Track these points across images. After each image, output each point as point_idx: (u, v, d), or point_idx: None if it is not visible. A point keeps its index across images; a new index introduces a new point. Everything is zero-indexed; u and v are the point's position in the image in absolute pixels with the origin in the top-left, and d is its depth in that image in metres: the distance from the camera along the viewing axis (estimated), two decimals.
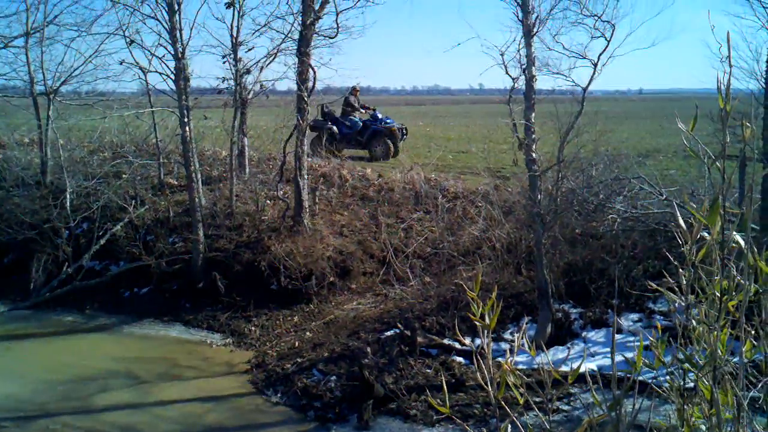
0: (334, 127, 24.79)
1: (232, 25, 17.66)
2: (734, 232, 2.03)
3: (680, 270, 2.24)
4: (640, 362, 2.32)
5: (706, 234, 2.05)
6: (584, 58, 12.07)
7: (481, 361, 2.18)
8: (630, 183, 14.24)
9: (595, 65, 11.92)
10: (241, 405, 11.09)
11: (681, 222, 2.17)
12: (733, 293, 2.03)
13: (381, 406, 10.44)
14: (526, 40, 11.35)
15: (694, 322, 2.18)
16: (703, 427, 2.16)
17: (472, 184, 18.63)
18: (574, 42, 12.08)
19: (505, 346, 11.49)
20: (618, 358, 2.52)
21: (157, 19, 15.45)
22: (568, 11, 11.97)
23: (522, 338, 2.28)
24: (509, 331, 12.01)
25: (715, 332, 2.01)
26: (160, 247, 16.22)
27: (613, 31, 11.75)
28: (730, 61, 2.08)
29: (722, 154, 2.06)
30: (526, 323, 11.70)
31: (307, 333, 13.37)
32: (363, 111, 25.89)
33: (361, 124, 25.17)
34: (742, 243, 2.01)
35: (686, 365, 2.16)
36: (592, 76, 12.04)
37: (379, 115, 25.53)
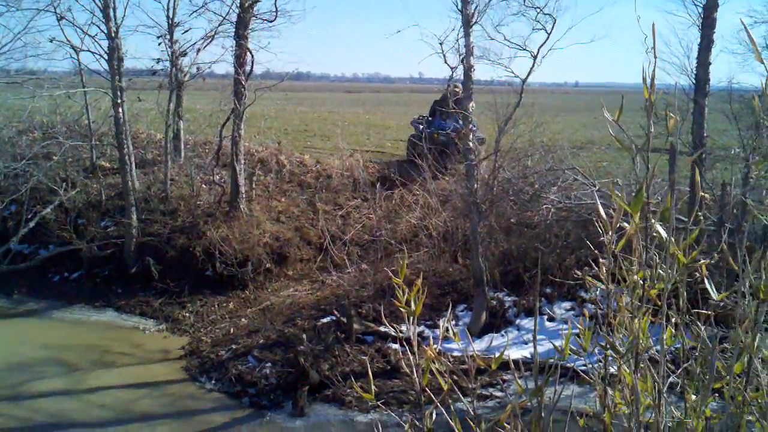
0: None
1: (168, 6, 17.33)
2: (656, 222, 2.07)
3: (600, 259, 2.29)
4: (568, 349, 2.36)
5: (626, 224, 2.09)
6: (525, 49, 12.24)
7: (407, 347, 2.19)
8: (564, 174, 14.48)
9: (535, 57, 12.09)
10: (175, 392, 10.97)
11: (601, 211, 2.21)
12: (654, 282, 2.08)
13: (316, 393, 10.47)
14: (465, 29, 11.43)
15: (615, 310, 2.23)
16: (626, 412, 2.22)
17: None
18: (515, 33, 12.25)
19: (440, 333, 11.60)
20: (549, 345, 2.55)
21: None
22: (510, 1, 12.13)
23: (448, 324, 2.29)
24: (445, 317, 12.12)
25: (636, 320, 2.06)
26: (92, 231, 15.86)
27: (554, 24, 11.95)
28: (655, 52, 2.12)
29: (646, 144, 2.10)
30: (451, 310, 11.82)
31: (243, 319, 13.27)
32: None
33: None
34: (662, 233, 2.05)
35: (609, 352, 2.21)
36: (531, 68, 12.22)
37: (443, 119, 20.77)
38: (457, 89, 19.43)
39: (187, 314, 13.80)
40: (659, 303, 2.14)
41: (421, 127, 19.87)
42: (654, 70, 2.12)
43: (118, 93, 15.10)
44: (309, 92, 66.24)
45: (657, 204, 2.37)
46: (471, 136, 11.87)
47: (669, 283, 2.10)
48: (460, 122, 19.53)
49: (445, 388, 2.12)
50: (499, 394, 10.33)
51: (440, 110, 19.96)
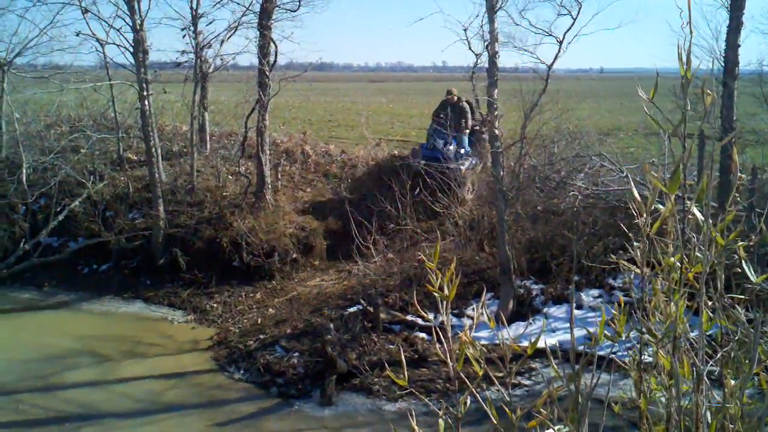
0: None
1: None
2: (692, 203, 2.03)
3: (635, 243, 2.24)
4: (602, 336, 2.33)
5: (660, 206, 2.05)
6: (550, 35, 12.11)
7: (440, 333, 2.17)
8: (591, 160, 14.35)
9: (561, 43, 11.96)
10: (204, 382, 11.03)
11: (636, 193, 2.16)
12: (692, 265, 2.04)
13: (344, 382, 10.47)
14: (489, 15, 11.31)
15: (651, 294, 2.19)
16: (663, 399, 2.18)
17: None
18: (540, 18, 12.14)
19: (467, 322, 11.56)
20: (577, 333, 2.52)
21: None
22: None
23: (482, 309, 2.27)
24: (471, 307, 12.07)
25: (673, 303, 2.02)
26: (120, 223, 15.98)
27: (579, 9, 11.80)
28: (690, 27, 2.07)
29: (683, 121, 2.05)
30: (485, 296, 11.78)
31: (270, 310, 13.31)
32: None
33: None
34: (698, 215, 2.01)
35: (646, 336, 2.17)
36: (557, 54, 12.08)
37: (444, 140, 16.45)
38: (450, 96, 16.92)
39: (215, 305, 13.88)
40: (697, 286, 2.09)
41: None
42: (690, 46, 2.06)
43: (144, 85, 15.19)
44: (332, 82, 66.27)
45: (694, 184, 2.32)
46: (496, 123, 11.76)
47: (707, 265, 2.06)
48: (460, 138, 16.59)
49: (480, 372, 2.10)
50: (527, 382, 10.29)
51: (437, 121, 16.94)
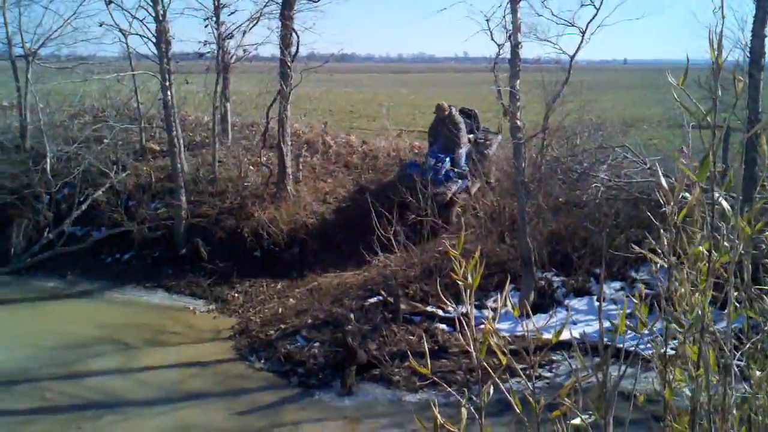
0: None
1: None
2: (719, 192, 2.00)
3: (662, 231, 2.20)
4: (623, 326, 2.31)
5: (687, 194, 2.02)
6: (573, 25, 12.02)
7: (463, 322, 2.16)
8: (614, 152, 14.23)
9: (583, 33, 11.86)
10: (225, 371, 11.10)
11: (663, 181, 2.12)
12: (720, 254, 2.01)
13: (364, 373, 10.49)
14: (512, 5, 11.22)
15: (677, 284, 2.16)
16: (687, 391, 2.16)
17: None
18: (562, 9, 12.03)
19: (488, 313, 11.51)
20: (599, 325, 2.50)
21: None
22: None
23: (506, 297, 2.25)
24: (492, 299, 12.01)
25: (698, 293, 1.99)
26: (142, 212, 16.11)
27: None
28: (723, 11, 2.03)
29: (713, 109, 2.01)
30: (508, 286, 11.72)
31: (291, 300, 13.35)
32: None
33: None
34: (726, 205, 1.98)
35: (672, 325, 2.15)
36: (579, 45, 11.99)
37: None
38: (441, 112, 15.50)
39: (236, 294, 13.95)
40: (725, 275, 2.06)
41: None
42: (722, 31, 2.02)
43: (167, 76, 15.26)
44: (354, 73, 66.13)
45: (723, 172, 2.28)
46: (518, 114, 11.69)
47: (735, 255, 2.03)
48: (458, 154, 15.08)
49: (504, 362, 2.09)
50: (547, 374, 10.26)
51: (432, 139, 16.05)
